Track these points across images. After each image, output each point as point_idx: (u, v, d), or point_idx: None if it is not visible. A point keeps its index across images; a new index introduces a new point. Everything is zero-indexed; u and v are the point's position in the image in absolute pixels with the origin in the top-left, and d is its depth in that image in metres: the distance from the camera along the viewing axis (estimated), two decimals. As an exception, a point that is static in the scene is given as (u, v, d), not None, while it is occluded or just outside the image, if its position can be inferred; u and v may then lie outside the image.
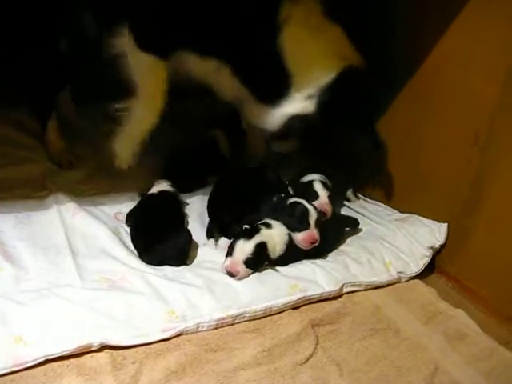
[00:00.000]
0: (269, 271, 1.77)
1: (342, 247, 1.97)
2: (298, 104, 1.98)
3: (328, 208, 1.97)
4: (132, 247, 1.82)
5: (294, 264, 1.82)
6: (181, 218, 1.98)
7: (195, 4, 1.88)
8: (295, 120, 2.00)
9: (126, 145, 2.09)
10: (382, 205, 2.25)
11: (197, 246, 1.88)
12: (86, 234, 1.83)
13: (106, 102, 2.40)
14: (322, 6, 1.95)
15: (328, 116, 1.97)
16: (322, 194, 1.99)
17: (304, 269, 1.80)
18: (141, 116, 2.05)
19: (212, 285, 1.66)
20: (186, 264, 1.79)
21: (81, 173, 2.20)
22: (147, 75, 1.99)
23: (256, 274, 1.73)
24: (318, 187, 2.00)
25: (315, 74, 1.93)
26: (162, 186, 2.02)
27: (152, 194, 2.00)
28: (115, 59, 1.97)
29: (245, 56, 1.95)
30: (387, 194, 2.24)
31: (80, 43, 2.07)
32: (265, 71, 1.96)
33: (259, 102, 2.04)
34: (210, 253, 1.86)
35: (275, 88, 1.99)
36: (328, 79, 1.93)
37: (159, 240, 1.78)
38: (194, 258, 1.83)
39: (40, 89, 2.19)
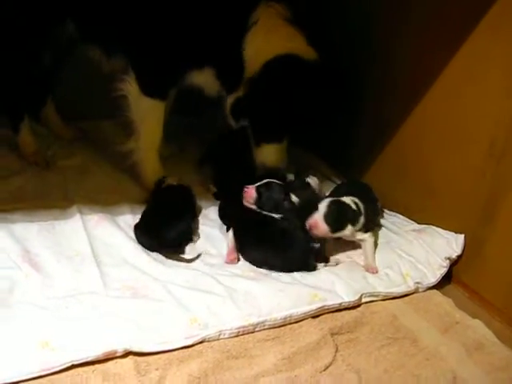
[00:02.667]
0: (289, 280, 1.79)
1: (361, 257, 1.98)
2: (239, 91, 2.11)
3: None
4: (154, 255, 1.85)
5: (313, 273, 1.84)
6: (186, 210, 2.04)
7: (192, 35, 2.01)
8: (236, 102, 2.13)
9: (148, 162, 2.24)
10: (399, 216, 2.25)
11: (216, 254, 1.92)
12: (109, 242, 1.87)
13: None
14: (289, 12, 2.07)
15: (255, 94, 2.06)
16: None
17: (323, 279, 1.82)
18: (143, 150, 2.21)
19: (233, 293, 1.68)
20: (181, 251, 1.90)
21: (100, 181, 2.26)
22: (147, 116, 2.17)
23: (276, 283, 1.75)
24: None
25: (255, 62, 2.04)
26: (175, 180, 2.14)
27: (168, 185, 2.11)
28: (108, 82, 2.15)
29: (224, 59, 2.07)
30: (405, 206, 2.24)
31: (63, 55, 2.31)
32: (235, 72, 2.08)
33: (228, 94, 2.16)
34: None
35: (236, 82, 2.11)
36: (262, 63, 2.03)
37: (157, 226, 1.88)
38: (213, 265, 1.86)
39: (12, 91, 2.28)
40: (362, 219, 1.91)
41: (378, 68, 2.28)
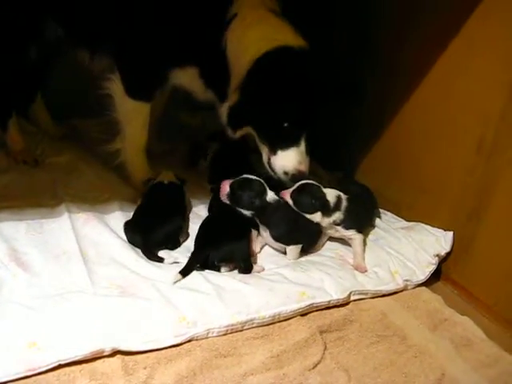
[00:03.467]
0: (278, 278, 1.79)
1: (349, 255, 1.98)
2: (231, 97, 1.97)
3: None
4: (142, 254, 1.84)
5: (302, 271, 1.84)
6: (176, 208, 2.03)
7: (171, 32, 1.94)
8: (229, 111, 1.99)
9: (135, 163, 2.22)
10: (388, 213, 2.26)
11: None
12: (97, 241, 1.86)
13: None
14: (276, 1, 1.97)
15: (250, 98, 1.91)
16: None
17: (312, 276, 1.82)
18: (129, 151, 2.19)
19: (221, 291, 1.68)
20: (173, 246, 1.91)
21: (89, 179, 2.25)
22: (132, 118, 2.14)
23: (265, 281, 1.75)
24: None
25: (242, 63, 1.89)
26: (168, 177, 2.11)
27: (158, 182, 2.09)
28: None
29: (205, 58, 1.97)
30: (394, 203, 2.25)
31: (49, 50, 2.28)
32: (217, 70, 1.96)
33: (220, 102, 2.04)
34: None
35: (223, 86, 1.98)
36: (250, 63, 1.88)
37: (146, 225, 1.89)
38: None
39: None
40: (338, 215, 1.93)
41: (370, 68, 2.27)
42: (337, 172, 2.51)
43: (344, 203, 1.94)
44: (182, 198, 2.12)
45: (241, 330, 1.60)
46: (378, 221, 2.20)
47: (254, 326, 1.62)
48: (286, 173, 1.98)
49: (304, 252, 1.98)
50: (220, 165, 2.33)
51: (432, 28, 2.00)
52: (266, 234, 1.94)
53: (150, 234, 1.87)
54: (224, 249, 1.81)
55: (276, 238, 1.93)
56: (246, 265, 1.81)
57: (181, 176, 2.17)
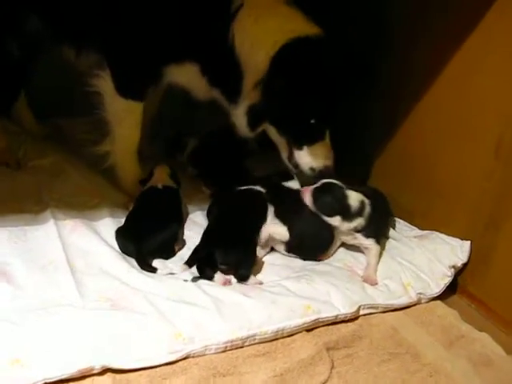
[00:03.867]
0: (281, 291, 1.79)
1: (358, 266, 1.99)
2: (249, 95, 1.98)
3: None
4: (135, 264, 1.85)
5: (307, 283, 1.84)
6: (172, 214, 2.05)
7: (166, 23, 1.95)
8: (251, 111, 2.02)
9: (126, 166, 2.23)
10: (400, 221, 2.27)
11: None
12: (86, 250, 1.86)
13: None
14: None
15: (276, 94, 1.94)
16: None
17: (318, 288, 1.82)
18: (120, 154, 2.20)
19: (220, 304, 1.67)
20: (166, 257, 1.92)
21: (76, 183, 2.26)
22: (123, 118, 2.15)
23: (267, 294, 1.75)
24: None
25: (259, 58, 1.91)
26: (164, 179, 2.12)
27: (152, 187, 2.10)
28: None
29: (208, 53, 1.97)
30: (407, 210, 2.26)
31: (32, 45, 2.28)
32: (225, 67, 1.98)
33: (228, 102, 2.06)
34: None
35: (234, 83, 2.00)
36: (269, 58, 1.90)
37: (140, 232, 1.90)
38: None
39: None
40: (360, 221, 1.93)
41: (384, 66, 2.29)
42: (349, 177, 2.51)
43: (367, 209, 1.95)
44: (179, 202, 2.13)
45: (241, 347, 1.60)
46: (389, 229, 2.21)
47: (255, 342, 1.62)
48: (312, 169, 2.05)
49: (312, 260, 2.01)
50: (207, 165, 2.38)
51: (447, 24, 2.01)
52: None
53: (143, 242, 1.88)
54: (232, 252, 1.84)
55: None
56: (246, 273, 1.83)
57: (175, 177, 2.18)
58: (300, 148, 2.05)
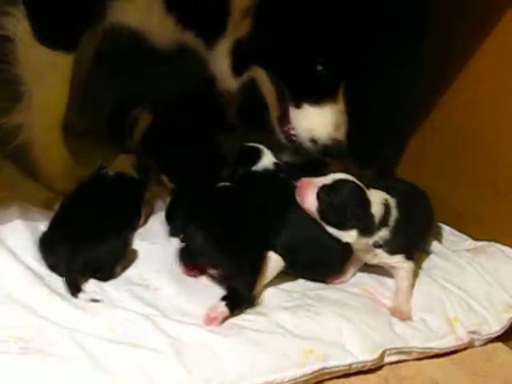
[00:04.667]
0: (270, 327, 1.77)
1: (384, 292, 2.00)
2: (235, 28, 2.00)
3: None
4: (59, 289, 1.83)
5: (309, 316, 1.83)
6: (124, 216, 2.07)
7: None
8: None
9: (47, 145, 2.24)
10: (446, 228, 2.29)
11: (157, 286, 1.92)
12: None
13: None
14: None
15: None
16: None
17: (325, 324, 1.81)
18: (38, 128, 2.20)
19: (181, 347, 1.66)
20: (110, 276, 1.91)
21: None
22: (44, 77, 2.13)
23: (249, 332, 1.74)
24: None
25: None
26: (123, 166, 2.16)
27: (105, 174, 2.13)
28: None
29: None
30: (455, 213, 2.29)
31: None
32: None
33: (206, 46, 2.07)
34: (181, 295, 1.88)
35: (215, 18, 2.01)
36: None
37: (72, 241, 1.88)
38: (152, 303, 1.84)
39: None
40: (383, 233, 1.91)
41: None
42: (371, 167, 2.51)
43: (394, 214, 1.93)
44: (136, 199, 2.16)
45: (210, 410, 1.60)
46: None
47: (232, 403, 1.62)
48: (314, 140, 2.02)
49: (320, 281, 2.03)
50: (165, 150, 2.37)
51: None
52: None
53: (76, 255, 1.87)
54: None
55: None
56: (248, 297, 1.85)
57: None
58: (298, 105, 2.03)
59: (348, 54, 1.96)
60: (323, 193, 1.89)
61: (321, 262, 2.01)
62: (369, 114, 2.11)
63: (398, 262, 1.96)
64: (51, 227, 1.98)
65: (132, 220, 2.10)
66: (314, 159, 2.13)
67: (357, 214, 1.87)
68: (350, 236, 1.87)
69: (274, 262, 1.94)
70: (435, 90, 2.32)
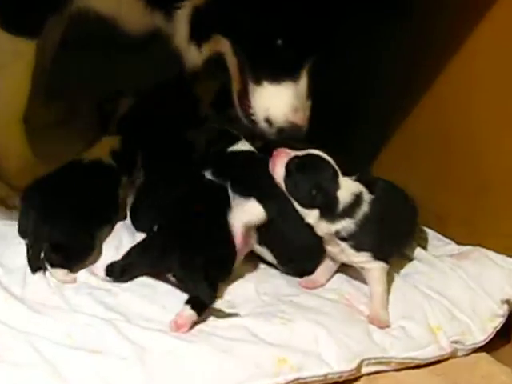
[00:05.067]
0: (240, 334, 1.74)
1: (362, 299, 1.96)
2: None
3: None
4: (13, 289, 1.81)
5: (283, 322, 1.80)
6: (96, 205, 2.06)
7: None
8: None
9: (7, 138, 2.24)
10: (428, 231, 2.29)
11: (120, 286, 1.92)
12: None
13: None
14: None
15: None
16: None
17: (300, 332, 1.77)
18: None
19: (145, 354, 1.62)
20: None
21: None
22: (5, 64, 2.12)
23: (217, 339, 1.71)
24: None
25: None
26: (101, 152, 2.18)
27: (73, 162, 2.15)
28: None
29: None
30: (437, 215, 2.28)
31: None
32: None
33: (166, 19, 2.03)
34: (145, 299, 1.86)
35: None
36: None
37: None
38: (115, 307, 1.81)
39: None
40: (346, 223, 1.89)
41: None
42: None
43: (364, 208, 1.91)
44: (111, 190, 2.16)
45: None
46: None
47: (197, 416, 1.60)
48: (269, 121, 1.98)
49: (298, 274, 2.03)
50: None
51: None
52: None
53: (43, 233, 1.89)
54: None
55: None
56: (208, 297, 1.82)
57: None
58: (258, 81, 1.99)
59: (315, 31, 1.92)
60: (292, 163, 1.92)
61: (296, 247, 2.00)
62: (341, 100, 2.07)
63: (365, 261, 1.92)
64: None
65: (106, 214, 2.10)
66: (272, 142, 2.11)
67: (320, 192, 1.88)
68: (312, 215, 1.89)
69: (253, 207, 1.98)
70: (416, 83, 2.32)
